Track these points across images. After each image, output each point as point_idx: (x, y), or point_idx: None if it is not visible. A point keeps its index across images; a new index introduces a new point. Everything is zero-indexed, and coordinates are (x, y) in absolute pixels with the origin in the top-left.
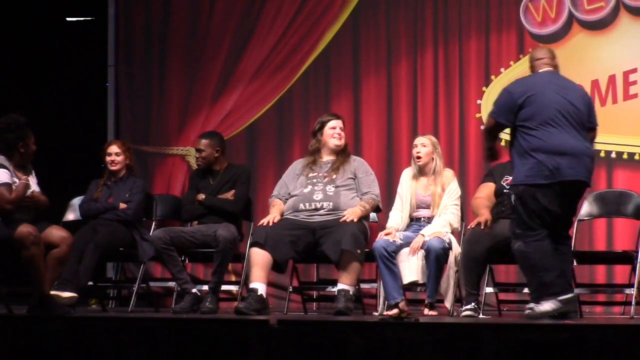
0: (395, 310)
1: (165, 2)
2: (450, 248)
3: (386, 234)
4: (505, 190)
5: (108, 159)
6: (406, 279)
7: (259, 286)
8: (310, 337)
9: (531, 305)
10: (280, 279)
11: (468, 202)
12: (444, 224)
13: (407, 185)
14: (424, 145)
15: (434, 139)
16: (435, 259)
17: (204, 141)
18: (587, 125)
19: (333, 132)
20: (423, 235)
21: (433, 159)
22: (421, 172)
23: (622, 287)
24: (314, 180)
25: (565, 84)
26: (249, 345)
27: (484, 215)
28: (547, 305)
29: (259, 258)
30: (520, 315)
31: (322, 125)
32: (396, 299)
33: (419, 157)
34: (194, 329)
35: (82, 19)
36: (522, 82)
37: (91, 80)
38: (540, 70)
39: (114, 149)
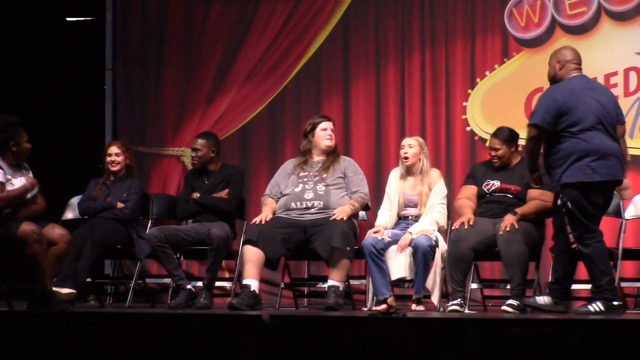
0: (383, 306)
1: (161, 8)
2: (437, 245)
3: (375, 232)
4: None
5: (108, 159)
6: (394, 276)
7: (252, 282)
8: (301, 331)
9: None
10: (273, 276)
11: (454, 201)
12: (430, 222)
13: (395, 185)
14: (411, 146)
15: (421, 139)
16: (423, 256)
17: (200, 141)
18: (617, 123)
19: (324, 134)
20: (411, 233)
21: (420, 159)
22: (409, 172)
23: None
24: (305, 180)
25: (596, 86)
26: (242, 340)
27: (467, 214)
28: (597, 306)
29: (252, 255)
30: (501, 310)
31: (314, 126)
32: (385, 294)
33: (406, 158)
34: (189, 324)
35: (82, 19)
36: (562, 88)
37: (90, 81)
38: (573, 75)
39: (114, 149)
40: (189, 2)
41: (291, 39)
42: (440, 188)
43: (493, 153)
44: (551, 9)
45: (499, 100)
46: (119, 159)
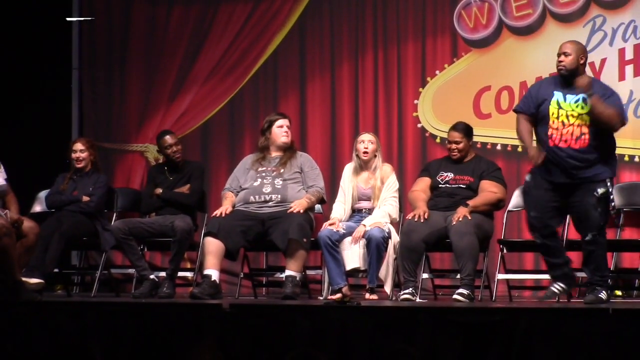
0: (338, 295)
1: (125, 10)
2: (389, 237)
3: (330, 224)
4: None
5: (73, 155)
6: (349, 266)
7: (213, 273)
8: (260, 319)
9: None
10: (232, 266)
11: (406, 195)
12: (383, 214)
13: (349, 179)
14: (371, 142)
15: (375, 136)
16: (376, 247)
17: (173, 136)
18: None
19: (280, 131)
20: (364, 225)
21: (376, 155)
22: (363, 166)
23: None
24: (263, 174)
25: None
26: (203, 328)
27: (421, 208)
28: (604, 295)
29: (213, 247)
30: (452, 299)
31: (271, 123)
32: (339, 284)
33: (365, 153)
34: (152, 312)
35: (81, 19)
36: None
37: (57, 80)
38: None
39: (78, 146)
40: (152, 4)
41: (250, 39)
42: (392, 182)
43: (454, 146)
44: (498, 11)
45: (449, 99)
46: (83, 155)
